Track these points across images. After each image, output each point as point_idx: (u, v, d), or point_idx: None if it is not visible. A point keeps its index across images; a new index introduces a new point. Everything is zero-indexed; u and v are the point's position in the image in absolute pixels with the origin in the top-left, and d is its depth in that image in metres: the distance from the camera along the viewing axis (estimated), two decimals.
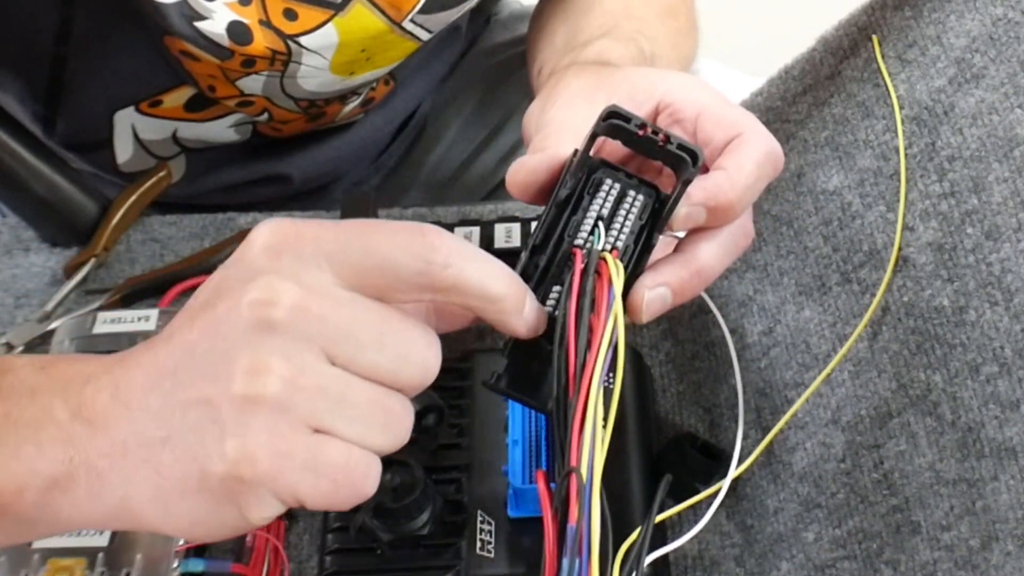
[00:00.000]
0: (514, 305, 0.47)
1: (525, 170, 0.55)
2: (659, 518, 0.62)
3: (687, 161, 0.52)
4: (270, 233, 0.44)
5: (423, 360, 0.46)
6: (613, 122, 0.52)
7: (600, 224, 0.52)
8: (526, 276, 0.51)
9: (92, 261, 0.83)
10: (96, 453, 0.45)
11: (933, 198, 0.64)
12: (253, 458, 0.43)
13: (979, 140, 0.62)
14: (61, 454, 0.45)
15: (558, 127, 0.61)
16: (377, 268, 0.44)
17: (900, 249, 0.65)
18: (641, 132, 0.52)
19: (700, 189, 0.53)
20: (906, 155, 0.66)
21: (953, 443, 0.60)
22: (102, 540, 0.63)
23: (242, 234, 0.84)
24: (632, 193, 0.53)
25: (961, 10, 0.67)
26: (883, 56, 0.70)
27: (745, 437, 0.69)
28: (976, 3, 0.66)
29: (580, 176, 0.53)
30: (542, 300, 0.50)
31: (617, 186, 0.53)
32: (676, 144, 0.52)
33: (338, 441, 0.44)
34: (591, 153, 0.53)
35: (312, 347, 0.43)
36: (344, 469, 0.44)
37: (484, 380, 0.52)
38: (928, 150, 0.65)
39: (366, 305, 0.44)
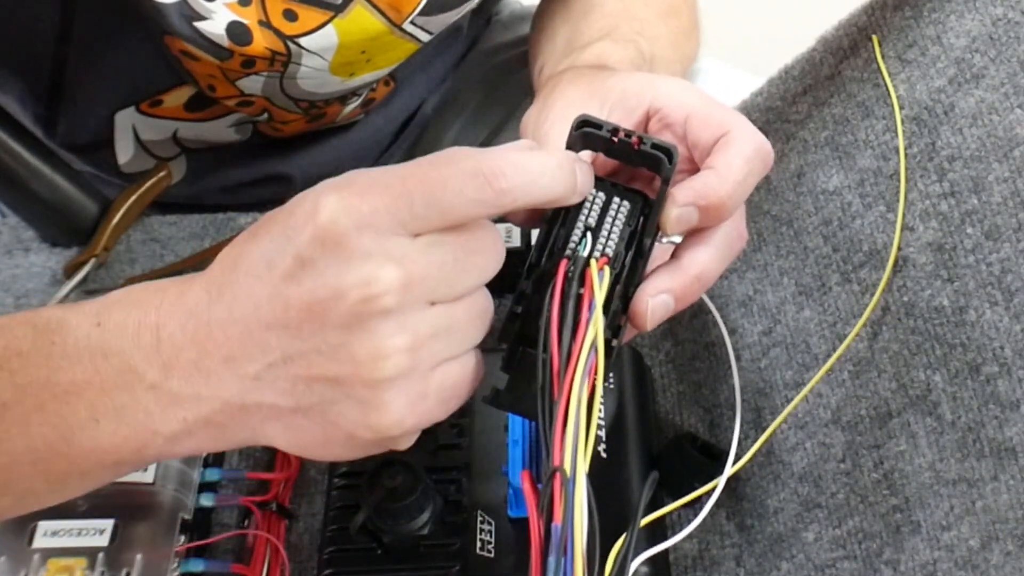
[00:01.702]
0: (569, 195, 0.50)
1: None
2: (654, 516, 0.62)
3: (663, 160, 0.52)
4: (344, 211, 0.45)
5: (497, 257, 0.50)
6: (586, 131, 0.52)
7: (588, 233, 0.52)
8: (523, 294, 0.52)
9: (92, 261, 0.83)
10: (210, 412, 0.47)
11: (933, 198, 0.64)
12: (397, 422, 0.47)
13: (979, 140, 0.62)
14: (173, 415, 0.47)
15: (552, 148, 0.62)
16: (446, 216, 0.46)
17: (900, 249, 0.65)
18: (615, 138, 0.52)
19: (690, 189, 0.53)
20: (906, 155, 0.66)
21: (953, 443, 0.60)
22: (102, 540, 0.63)
23: None
24: (618, 200, 0.53)
25: (961, 10, 0.66)
26: (883, 56, 0.70)
27: (745, 437, 0.69)
28: (976, 3, 0.66)
29: None
30: (536, 314, 0.51)
31: (602, 195, 0.53)
32: (650, 144, 0.52)
33: (454, 361, 0.49)
34: None
35: (418, 307, 0.46)
36: (464, 380, 0.50)
37: (484, 396, 0.53)
38: (928, 150, 0.65)
39: (446, 246, 0.47)
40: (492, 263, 0.49)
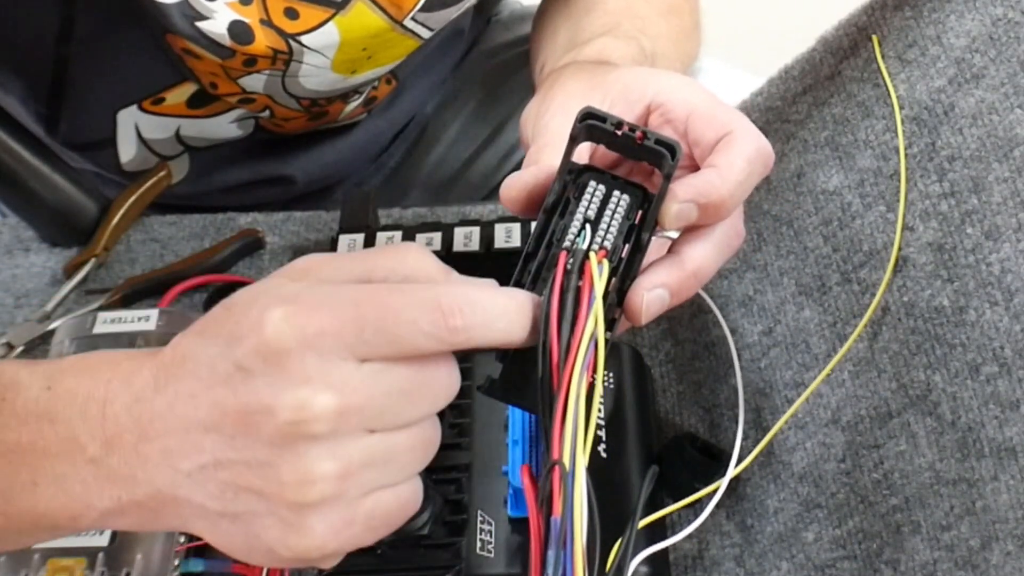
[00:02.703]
0: (525, 340, 0.48)
1: (518, 185, 0.55)
2: (654, 517, 0.62)
3: (666, 155, 0.52)
4: (289, 329, 0.44)
5: (450, 391, 0.48)
6: (590, 123, 0.52)
7: (587, 226, 0.52)
8: (520, 284, 0.52)
9: (92, 261, 0.83)
10: (143, 496, 0.46)
11: (933, 198, 0.64)
12: (319, 547, 0.45)
13: (979, 140, 0.62)
14: (108, 492, 0.47)
15: (552, 137, 0.61)
16: (395, 346, 0.45)
17: (900, 249, 0.65)
18: (618, 131, 0.52)
19: (691, 187, 0.53)
20: (906, 155, 0.66)
21: (953, 443, 0.60)
22: (102, 540, 0.63)
23: (244, 233, 0.84)
24: (618, 193, 0.53)
25: (961, 10, 0.66)
26: (883, 56, 0.70)
27: (745, 437, 0.69)
28: (976, 3, 0.66)
29: (565, 181, 0.53)
30: None
31: (602, 188, 0.53)
32: (653, 140, 0.52)
33: (388, 490, 0.47)
34: (575, 157, 0.53)
35: (353, 435, 0.45)
36: (398, 509, 0.47)
37: (479, 385, 0.53)
38: (928, 150, 0.65)
39: (391, 375, 0.45)
40: (443, 396, 0.47)
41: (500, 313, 0.47)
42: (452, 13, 0.86)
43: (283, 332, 0.43)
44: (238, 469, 0.45)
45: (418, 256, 0.48)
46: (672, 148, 0.52)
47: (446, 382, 0.47)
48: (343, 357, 0.44)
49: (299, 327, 0.43)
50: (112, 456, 0.46)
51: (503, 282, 0.53)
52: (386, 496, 0.47)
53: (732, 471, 0.64)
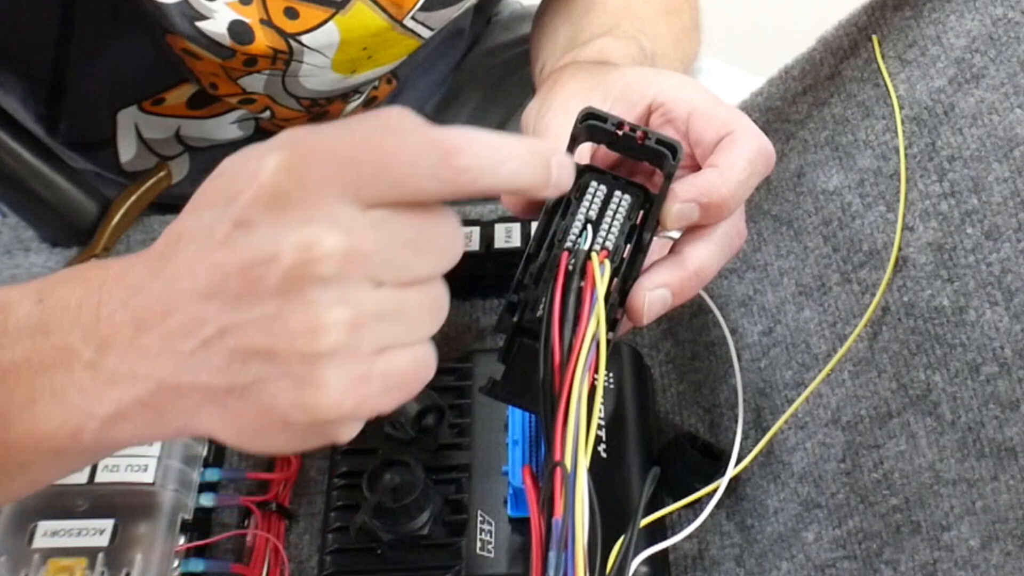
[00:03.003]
0: (540, 186, 0.46)
1: None
2: (654, 517, 0.62)
3: (667, 155, 0.52)
4: (289, 171, 0.42)
5: (456, 247, 0.46)
6: (591, 123, 0.52)
7: (588, 226, 0.52)
8: (521, 285, 0.52)
9: (92, 261, 0.83)
10: (145, 393, 0.45)
11: (933, 198, 0.64)
12: (336, 404, 0.43)
13: (979, 140, 0.62)
14: (108, 396, 0.45)
15: (553, 138, 0.61)
16: (397, 189, 0.43)
17: (900, 249, 0.65)
18: (619, 131, 0.52)
19: (692, 186, 0.53)
20: (906, 155, 0.66)
21: (953, 443, 0.60)
22: (102, 540, 0.63)
23: None
24: (619, 194, 0.53)
25: (961, 10, 0.66)
26: (883, 56, 0.70)
27: (745, 437, 0.69)
28: (976, 3, 0.66)
29: None
30: (535, 306, 0.50)
31: (603, 188, 0.53)
32: (655, 140, 0.52)
33: (402, 349, 0.45)
34: (576, 157, 0.53)
35: (361, 283, 0.43)
36: (413, 371, 0.45)
37: (481, 387, 0.53)
38: (928, 150, 0.65)
39: (397, 223, 0.43)
40: (448, 251, 0.46)
41: (508, 154, 0.44)
42: (452, 12, 0.86)
43: (282, 176, 0.42)
44: (244, 331, 0.43)
45: (402, 113, 0.45)
46: (673, 148, 0.52)
47: (451, 237, 0.45)
48: (345, 201, 0.42)
49: (298, 170, 0.42)
50: (109, 356, 0.45)
51: (506, 284, 0.53)
52: (401, 355, 0.45)
53: (732, 471, 0.64)
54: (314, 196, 0.42)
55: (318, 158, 0.42)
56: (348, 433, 0.45)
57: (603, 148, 0.55)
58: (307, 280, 0.42)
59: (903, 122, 0.67)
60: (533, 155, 0.45)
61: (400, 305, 0.44)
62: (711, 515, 0.64)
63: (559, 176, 0.47)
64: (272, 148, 0.43)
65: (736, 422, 0.68)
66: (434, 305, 0.46)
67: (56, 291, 0.47)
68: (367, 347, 0.43)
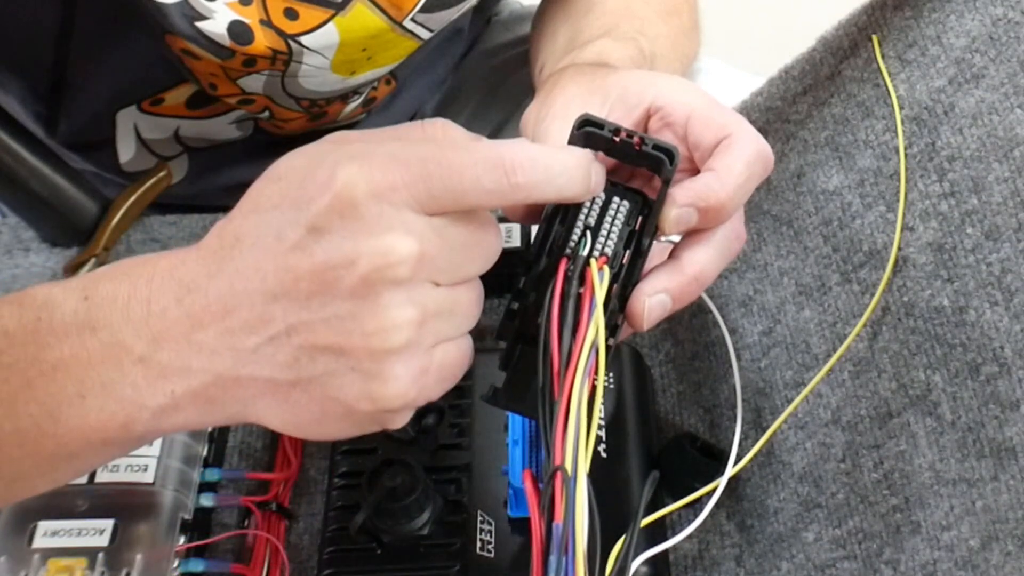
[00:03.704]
0: (581, 195, 0.51)
1: None
2: (655, 516, 0.62)
3: (664, 161, 0.52)
4: (364, 181, 0.45)
5: (497, 249, 0.50)
6: (588, 130, 0.52)
7: (587, 232, 0.52)
8: (522, 293, 0.52)
9: (92, 261, 0.83)
10: (199, 385, 0.47)
11: (933, 198, 0.64)
12: (401, 394, 0.47)
13: (979, 140, 0.62)
14: (161, 388, 0.47)
15: (552, 143, 0.61)
16: (460, 202, 0.47)
17: (900, 249, 0.65)
18: (616, 137, 0.52)
19: (690, 191, 0.53)
20: (906, 155, 0.66)
21: (953, 443, 0.60)
22: (102, 540, 0.63)
23: None
24: (617, 200, 0.53)
25: (961, 10, 0.66)
26: (883, 56, 0.70)
27: (745, 437, 0.69)
28: (976, 3, 0.66)
29: None
30: (535, 312, 0.51)
31: (601, 194, 0.53)
32: (652, 145, 0.52)
33: (452, 342, 0.49)
34: None
35: (426, 284, 0.47)
36: (461, 361, 0.50)
37: (482, 395, 0.53)
38: (928, 150, 0.65)
39: (456, 229, 0.47)
40: (492, 254, 0.50)
41: (560, 169, 0.49)
42: (452, 14, 0.86)
43: (358, 186, 0.45)
44: (315, 329, 0.45)
45: (446, 125, 0.50)
46: (670, 153, 0.52)
47: (496, 242, 0.50)
48: (414, 210, 0.46)
49: (373, 181, 0.45)
50: (162, 351, 0.46)
51: (506, 284, 0.53)
52: (452, 348, 0.49)
53: (731, 471, 0.64)
54: (388, 207, 0.45)
55: (390, 172, 0.45)
56: (403, 420, 0.49)
57: (600, 154, 0.55)
58: (382, 283, 0.45)
59: (903, 122, 0.67)
60: (579, 168, 0.50)
61: (453, 303, 0.48)
62: (711, 515, 0.64)
63: (597, 183, 0.51)
64: (347, 158, 0.46)
65: (736, 422, 0.68)
66: (478, 301, 0.50)
67: (101, 287, 0.48)
68: (428, 342, 0.47)
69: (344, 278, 0.45)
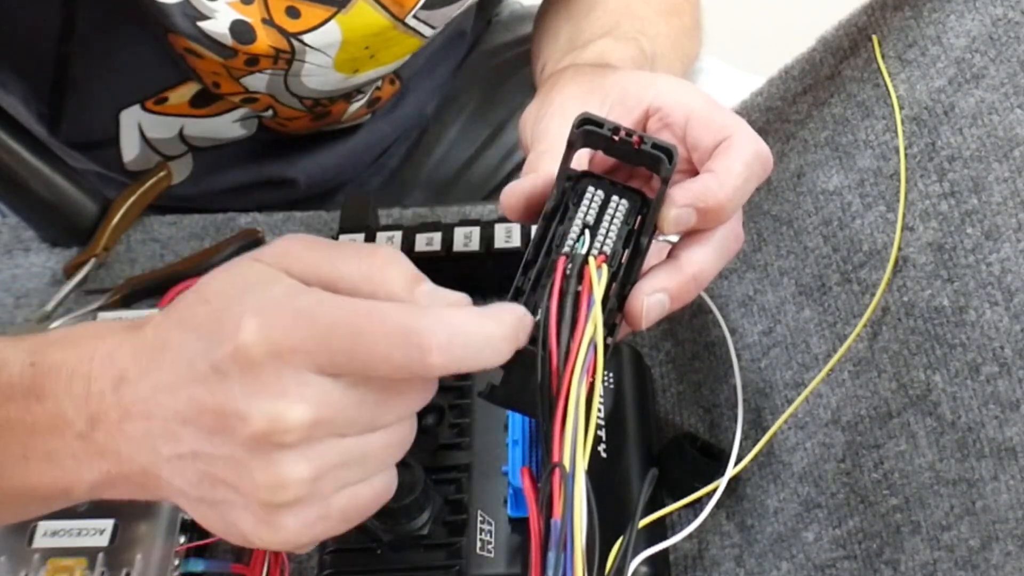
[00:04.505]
0: (501, 361, 0.47)
1: (517, 193, 0.55)
2: (654, 516, 0.62)
3: (663, 160, 0.52)
4: (264, 341, 0.44)
5: (425, 395, 0.48)
6: (587, 128, 0.52)
7: (586, 231, 0.52)
8: (520, 291, 0.52)
9: (92, 261, 0.83)
10: (128, 471, 0.47)
11: (933, 198, 0.64)
12: (291, 541, 0.46)
13: (979, 140, 0.62)
14: (97, 466, 0.47)
15: (551, 143, 0.62)
16: (367, 372, 0.45)
17: (900, 249, 0.65)
18: (615, 136, 0.52)
19: (689, 191, 0.53)
20: (906, 155, 0.66)
21: (953, 443, 0.60)
22: (102, 540, 0.63)
23: (244, 233, 0.84)
24: (616, 198, 0.53)
25: (961, 10, 0.66)
26: (883, 56, 0.70)
27: (745, 437, 0.69)
28: (976, 3, 0.66)
29: (564, 187, 0.53)
30: (533, 310, 0.51)
31: (600, 193, 0.53)
32: (651, 144, 0.52)
33: (362, 483, 0.47)
34: (573, 163, 0.53)
35: (326, 441, 0.45)
36: (373, 499, 0.48)
37: (480, 392, 0.53)
38: (928, 150, 0.65)
39: (365, 389, 0.45)
40: (418, 401, 0.48)
41: (484, 344, 0.46)
42: (454, 11, 0.86)
43: (258, 344, 0.44)
44: (215, 463, 0.45)
45: (388, 262, 0.47)
46: (669, 152, 0.52)
47: (422, 391, 0.48)
48: (315, 372, 0.44)
49: (273, 341, 0.44)
50: (98, 431, 0.47)
51: (506, 284, 0.53)
52: (361, 490, 0.47)
53: (731, 471, 0.64)
54: (287, 368, 0.44)
55: (292, 333, 0.44)
56: (306, 551, 0.50)
57: (600, 153, 0.55)
58: (272, 446, 0.44)
59: (903, 122, 0.67)
60: (504, 340, 0.46)
61: (363, 450, 0.46)
62: (711, 515, 0.64)
63: (523, 341, 0.48)
64: (253, 310, 0.44)
65: (736, 422, 0.68)
66: (399, 442, 0.48)
67: (48, 355, 0.49)
68: (326, 492, 0.46)
69: (238, 429, 0.44)
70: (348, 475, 0.46)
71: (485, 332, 0.46)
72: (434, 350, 0.44)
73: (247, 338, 0.44)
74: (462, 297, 0.48)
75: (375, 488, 0.48)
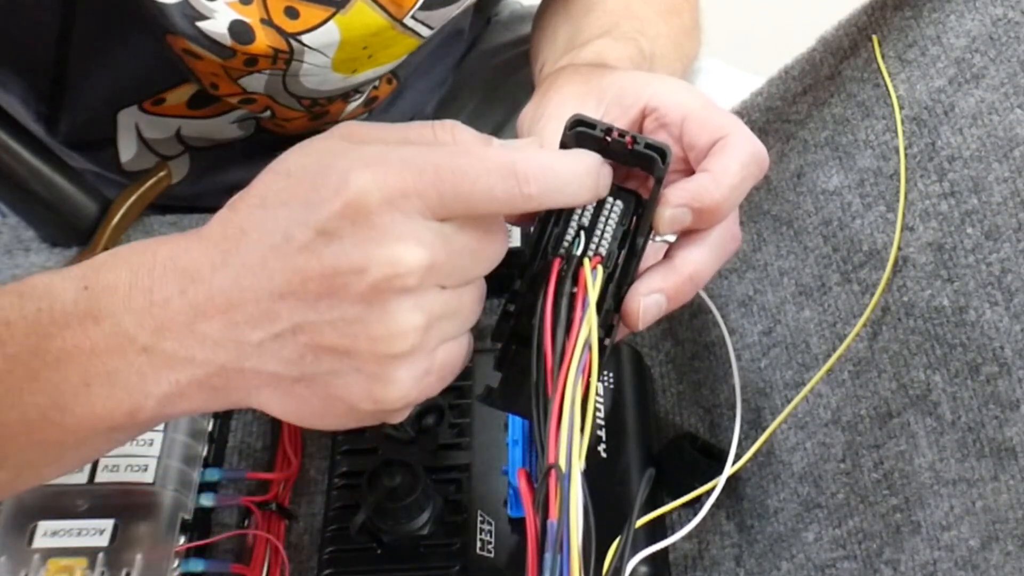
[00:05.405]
0: (589, 199, 0.51)
1: None
2: (653, 515, 0.63)
3: (656, 159, 0.52)
4: (377, 189, 0.45)
5: (504, 249, 0.50)
6: (579, 130, 0.52)
7: (582, 233, 0.52)
8: (517, 294, 0.52)
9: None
10: (204, 375, 0.47)
11: (933, 198, 0.64)
12: (403, 396, 0.48)
13: (979, 140, 0.62)
14: (166, 377, 0.47)
15: (548, 143, 0.62)
16: (471, 209, 0.47)
17: (900, 249, 0.65)
18: (608, 137, 0.52)
19: (684, 191, 0.53)
20: (906, 155, 0.66)
21: (953, 443, 0.60)
22: (102, 540, 0.63)
23: None
24: (611, 200, 0.53)
25: (961, 10, 0.66)
26: (883, 56, 0.70)
27: (745, 437, 0.69)
28: (976, 3, 0.66)
29: None
30: (530, 312, 0.51)
31: None
32: (643, 144, 0.52)
33: (454, 341, 0.50)
34: None
35: (433, 289, 0.47)
36: (462, 358, 0.51)
37: (478, 395, 0.53)
38: (928, 150, 0.65)
39: (466, 235, 0.48)
40: (498, 255, 0.50)
41: (571, 178, 0.49)
42: (452, 11, 0.86)
43: (372, 192, 0.45)
44: (321, 331, 0.46)
45: (455, 125, 0.51)
46: (662, 152, 0.52)
47: (502, 244, 0.50)
48: (425, 217, 0.46)
49: (388, 188, 0.45)
50: (166, 341, 0.46)
51: (505, 284, 0.53)
52: (454, 347, 0.50)
53: (730, 469, 0.64)
54: (399, 214, 0.45)
55: (403, 179, 0.45)
56: (402, 416, 0.50)
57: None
58: (390, 292, 0.45)
59: (903, 122, 0.67)
60: (588, 175, 0.50)
61: (458, 304, 0.49)
62: (711, 515, 0.64)
63: (604, 187, 0.52)
64: (360, 163, 0.46)
65: (735, 422, 0.68)
66: (480, 299, 0.51)
67: (101, 276, 0.48)
68: (432, 345, 0.48)
69: (353, 284, 0.45)
70: (447, 329, 0.48)
71: (570, 166, 0.50)
72: (531, 180, 0.47)
73: (361, 187, 0.45)
74: (533, 140, 0.54)
75: (462, 346, 0.50)
